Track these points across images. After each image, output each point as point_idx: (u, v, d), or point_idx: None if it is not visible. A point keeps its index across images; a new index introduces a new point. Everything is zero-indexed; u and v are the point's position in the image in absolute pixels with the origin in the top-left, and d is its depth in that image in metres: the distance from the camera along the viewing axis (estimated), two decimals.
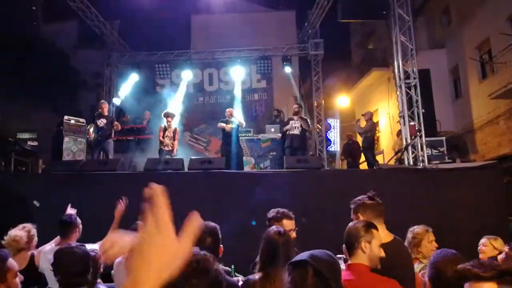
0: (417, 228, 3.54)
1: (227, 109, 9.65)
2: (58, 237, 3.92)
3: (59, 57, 17.39)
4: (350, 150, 11.65)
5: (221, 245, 2.83)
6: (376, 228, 2.47)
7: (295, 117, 9.10)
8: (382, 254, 2.40)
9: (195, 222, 0.80)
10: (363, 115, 11.34)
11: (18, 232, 3.58)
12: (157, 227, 0.76)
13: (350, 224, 2.51)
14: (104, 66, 14.40)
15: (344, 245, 2.50)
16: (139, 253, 0.75)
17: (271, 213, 3.22)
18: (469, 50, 12.96)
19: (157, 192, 0.79)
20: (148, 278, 0.73)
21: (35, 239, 3.74)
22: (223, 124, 9.21)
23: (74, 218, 3.96)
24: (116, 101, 13.28)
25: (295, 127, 8.95)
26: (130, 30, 15.64)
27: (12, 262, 2.39)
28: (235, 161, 8.81)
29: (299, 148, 8.92)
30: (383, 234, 2.64)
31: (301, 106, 9.67)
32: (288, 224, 3.12)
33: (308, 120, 9.48)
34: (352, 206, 2.87)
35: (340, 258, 2.85)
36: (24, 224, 3.71)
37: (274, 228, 2.67)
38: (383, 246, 2.52)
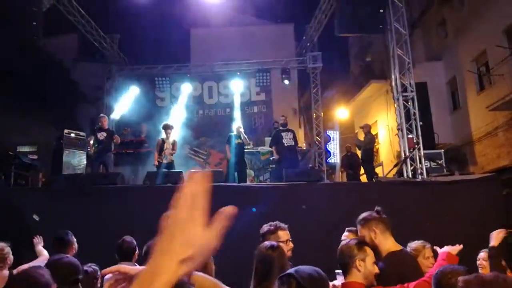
0: (414, 244, 3.54)
1: (237, 127, 9.75)
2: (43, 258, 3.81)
3: (59, 70, 17.49)
4: (350, 162, 11.63)
5: None
6: (369, 245, 2.51)
7: (284, 129, 9.27)
8: (376, 270, 2.41)
9: (226, 215, 0.75)
10: (361, 127, 11.39)
11: None
12: (190, 214, 0.71)
13: (343, 242, 2.53)
14: (104, 79, 14.49)
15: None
16: (167, 239, 0.70)
17: (264, 227, 3.22)
18: (466, 62, 13.06)
19: (199, 177, 0.74)
20: (168, 268, 0.68)
21: (10, 257, 3.56)
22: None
23: (70, 235, 3.86)
24: (116, 114, 13.34)
25: (289, 138, 9.08)
26: (130, 44, 15.80)
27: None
28: (241, 175, 8.95)
29: (295, 159, 9.04)
30: (393, 245, 2.73)
31: (286, 117, 9.86)
32: (284, 235, 3.14)
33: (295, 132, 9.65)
34: (362, 223, 2.89)
35: (339, 273, 2.85)
36: None
37: (266, 243, 2.68)
38: (393, 254, 2.63)
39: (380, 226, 2.80)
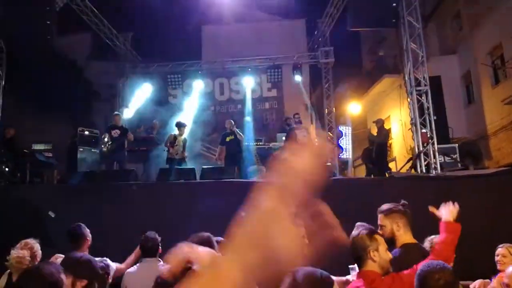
0: (435, 238, 3.56)
1: (227, 122, 9.69)
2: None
3: (73, 69, 17.67)
4: (371, 155, 11.24)
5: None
6: (378, 233, 2.54)
7: (297, 126, 9.28)
8: (390, 256, 2.43)
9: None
10: (374, 122, 11.26)
11: (20, 251, 3.38)
12: (277, 210, 0.53)
13: (353, 234, 2.51)
14: (117, 77, 14.60)
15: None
16: (238, 238, 0.54)
17: None
18: (481, 55, 12.87)
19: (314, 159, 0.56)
20: (230, 276, 0.53)
21: (39, 253, 3.56)
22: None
23: (83, 228, 3.85)
24: (128, 112, 13.45)
25: (303, 135, 9.08)
26: (142, 42, 15.86)
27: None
28: (242, 170, 8.92)
29: None
30: (409, 239, 2.81)
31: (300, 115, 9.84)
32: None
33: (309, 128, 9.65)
34: (385, 213, 2.91)
35: (353, 268, 2.85)
36: (26, 241, 3.50)
37: None
38: (408, 245, 2.72)
39: (404, 219, 2.86)
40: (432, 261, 2.16)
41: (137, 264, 3.75)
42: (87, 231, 3.86)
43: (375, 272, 2.37)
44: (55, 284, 2.06)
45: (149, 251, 3.72)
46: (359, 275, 2.44)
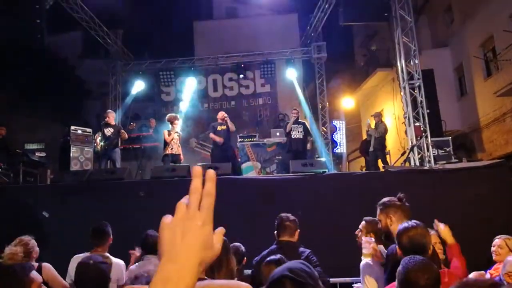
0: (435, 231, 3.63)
1: (220, 112, 9.68)
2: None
3: (64, 67, 17.58)
4: (369, 147, 10.91)
5: None
6: None
7: (294, 122, 9.34)
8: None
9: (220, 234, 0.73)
10: (372, 116, 11.24)
11: (13, 248, 3.38)
12: (200, 214, 0.68)
13: (411, 230, 2.44)
14: (109, 75, 14.50)
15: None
16: (172, 243, 0.66)
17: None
18: (473, 48, 12.91)
19: (210, 177, 0.71)
20: (182, 275, 0.64)
21: (36, 250, 3.57)
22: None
23: (107, 226, 3.94)
24: (122, 110, 13.38)
25: (298, 131, 9.14)
26: (134, 39, 15.78)
27: (36, 273, 2.38)
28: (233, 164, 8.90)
29: (302, 152, 9.09)
30: None
31: (298, 112, 9.89)
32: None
33: (306, 124, 9.69)
34: (380, 207, 2.94)
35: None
36: (21, 237, 3.52)
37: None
38: None
39: (398, 213, 2.86)
40: (415, 258, 2.05)
41: (139, 262, 3.77)
42: (110, 231, 3.92)
43: None
44: (20, 283, 2.12)
45: (151, 248, 3.76)
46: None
